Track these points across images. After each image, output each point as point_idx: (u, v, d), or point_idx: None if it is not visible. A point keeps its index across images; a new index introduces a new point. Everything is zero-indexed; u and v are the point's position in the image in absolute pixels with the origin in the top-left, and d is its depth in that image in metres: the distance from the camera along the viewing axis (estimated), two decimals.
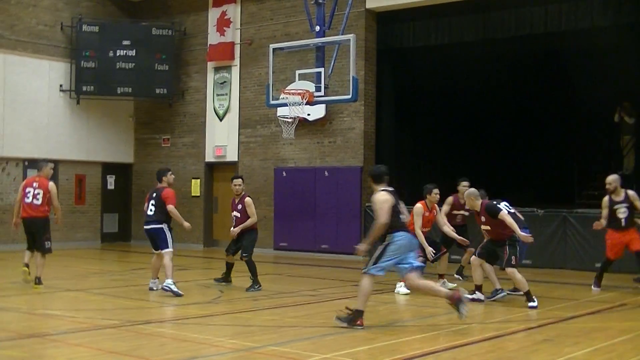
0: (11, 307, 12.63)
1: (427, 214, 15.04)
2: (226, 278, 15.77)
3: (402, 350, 9.19)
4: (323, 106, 21.93)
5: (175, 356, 8.75)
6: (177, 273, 17.84)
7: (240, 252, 15.35)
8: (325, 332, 10.40)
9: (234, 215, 15.38)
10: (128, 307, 13.04)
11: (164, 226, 14.49)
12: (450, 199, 16.53)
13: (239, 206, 15.29)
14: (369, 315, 12.21)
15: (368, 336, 10.18)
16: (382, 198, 10.97)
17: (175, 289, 13.98)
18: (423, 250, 14.73)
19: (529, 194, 24.57)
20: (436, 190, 15.24)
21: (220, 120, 25.71)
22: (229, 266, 15.73)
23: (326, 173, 22.92)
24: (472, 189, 14.14)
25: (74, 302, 13.70)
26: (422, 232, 14.88)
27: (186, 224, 14.46)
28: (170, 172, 15.10)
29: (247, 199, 15.27)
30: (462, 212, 16.51)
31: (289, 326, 11.06)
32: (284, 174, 23.81)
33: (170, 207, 14.41)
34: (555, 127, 26.55)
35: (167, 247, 14.45)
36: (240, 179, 15.59)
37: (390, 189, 11.27)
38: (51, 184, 15.23)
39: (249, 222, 15.18)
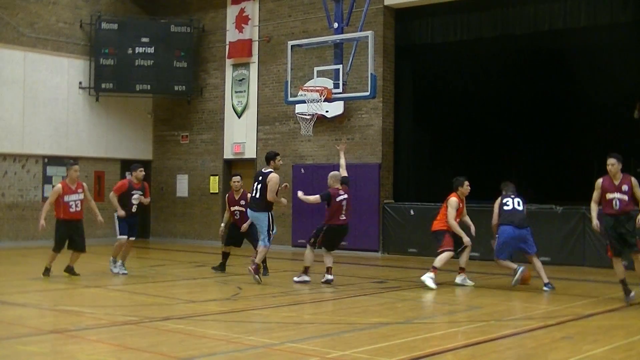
0: (31, 303, 12.71)
1: (460, 205, 15.31)
2: (222, 267, 17.08)
3: (421, 347, 9.18)
4: (341, 103, 21.93)
5: (194, 352, 8.77)
6: (195, 269, 17.98)
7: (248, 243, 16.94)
8: (343, 329, 10.41)
9: (237, 210, 16.87)
10: (147, 303, 13.08)
11: (115, 215, 16.53)
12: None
13: (242, 202, 16.76)
14: (387, 312, 12.22)
15: (387, 333, 10.18)
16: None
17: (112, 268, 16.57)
18: (455, 239, 15.15)
19: (548, 190, 24.50)
20: (467, 182, 15.52)
21: (239, 117, 25.76)
22: (225, 256, 17.11)
23: None
24: (334, 172, 15.85)
25: (93, 299, 13.76)
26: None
27: (120, 212, 16.28)
28: (140, 169, 16.83)
29: (249, 195, 16.23)
30: None
31: (308, 323, 11.08)
32: (303, 170, 23.82)
33: (110, 194, 16.74)
34: (574, 124, 26.46)
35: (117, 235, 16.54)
36: (239, 177, 17.36)
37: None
38: (54, 187, 16.30)
39: None
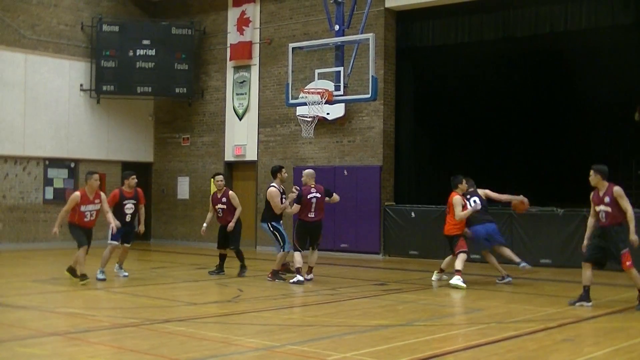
0: (32, 306, 12.70)
1: (464, 202, 15.81)
2: (220, 269, 17.18)
3: (422, 349, 9.18)
4: (342, 105, 21.92)
5: (195, 355, 8.77)
6: (196, 272, 17.95)
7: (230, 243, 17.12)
8: (344, 331, 10.40)
9: (220, 208, 17.04)
10: (148, 305, 13.08)
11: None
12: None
13: (224, 199, 17.02)
14: (388, 314, 12.22)
15: (388, 335, 10.18)
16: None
17: (100, 276, 15.82)
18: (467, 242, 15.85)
19: (549, 192, 24.50)
20: (465, 180, 16.00)
21: (240, 119, 25.76)
22: (222, 258, 17.26)
23: (345, 172, 22.89)
24: (310, 170, 16.61)
25: (94, 301, 13.77)
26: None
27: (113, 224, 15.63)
28: (132, 177, 16.63)
29: (232, 192, 17.30)
30: None
31: (309, 325, 11.07)
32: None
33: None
34: (575, 125, 26.47)
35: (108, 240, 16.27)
36: (221, 175, 17.57)
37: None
38: (72, 195, 15.54)
39: (238, 212, 17.01)
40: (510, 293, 14.58)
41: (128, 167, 26.80)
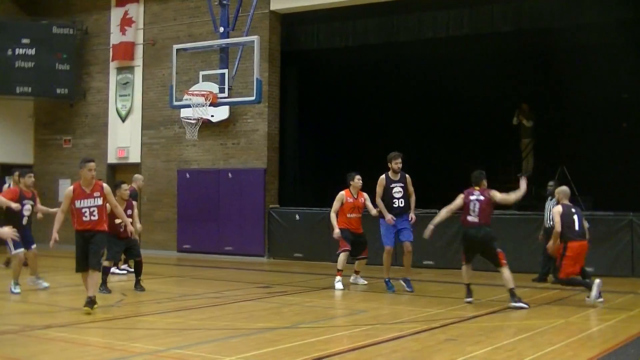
0: None
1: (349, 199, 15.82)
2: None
3: (307, 351, 9.20)
4: (227, 108, 21.87)
5: None
6: (78, 276, 17.54)
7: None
8: (229, 335, 10.37)
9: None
10: (27, 311, 12.77)
11: None
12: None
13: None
14: (273, 317, 12.21)
15: (273, 338, 10.17)
16: None
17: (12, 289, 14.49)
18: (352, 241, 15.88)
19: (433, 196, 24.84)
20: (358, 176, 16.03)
21: (123, 121, 25.41)
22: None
23: (230, 175, 22.83)
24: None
25: None
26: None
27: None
28: (30, 175, 15.39)
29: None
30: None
31: (193, 329, 10.98)
32: (187, 175, 23.64)
33: None
34: (457, 130, 26.87)
35: (11, 251, 14.61)
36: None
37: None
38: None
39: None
40: (395, 295, 14.74)
41: (6, 169, 26.15)
